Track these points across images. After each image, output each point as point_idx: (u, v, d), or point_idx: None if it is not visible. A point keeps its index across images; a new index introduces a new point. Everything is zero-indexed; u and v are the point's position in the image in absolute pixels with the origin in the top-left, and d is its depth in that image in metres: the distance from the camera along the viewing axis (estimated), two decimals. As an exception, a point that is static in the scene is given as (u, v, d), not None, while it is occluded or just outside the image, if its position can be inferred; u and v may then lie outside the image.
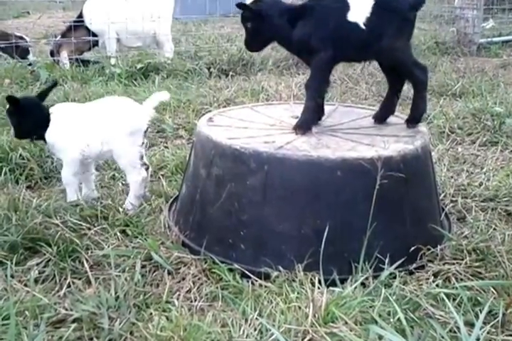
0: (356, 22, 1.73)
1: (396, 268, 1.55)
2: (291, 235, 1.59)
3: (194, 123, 2.94)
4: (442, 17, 6.70)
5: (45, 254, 1.58)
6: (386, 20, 1.73)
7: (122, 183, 2.23)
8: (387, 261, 1.55)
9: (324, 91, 1.88)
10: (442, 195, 2.12)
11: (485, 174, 2.36)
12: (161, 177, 2.26)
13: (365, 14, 1.73)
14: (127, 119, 1.89)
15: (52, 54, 4.62)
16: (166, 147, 2.70)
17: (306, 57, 1.86)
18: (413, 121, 1.87)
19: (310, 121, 1.82)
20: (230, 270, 1.57)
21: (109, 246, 1.64)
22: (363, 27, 1.73)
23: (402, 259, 1.58)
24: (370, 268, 1.54)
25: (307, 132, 1.78)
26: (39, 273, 1.55)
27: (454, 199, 2.11)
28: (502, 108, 3.12)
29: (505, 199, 2.08)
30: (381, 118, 1.95)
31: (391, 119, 1.97)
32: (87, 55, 4.86)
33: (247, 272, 1.56)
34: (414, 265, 1.63)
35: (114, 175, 2.31)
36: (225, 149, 1.65)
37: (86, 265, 1.54)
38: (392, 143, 1.70)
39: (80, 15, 4.64)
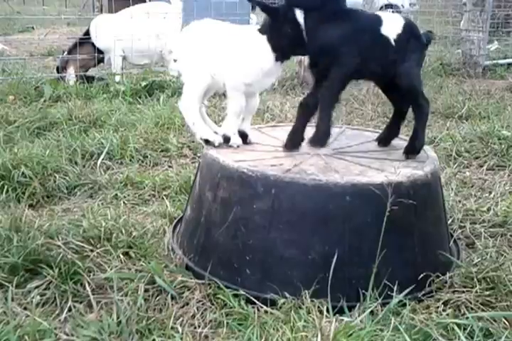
0: (388, 36, 1.69)
1: (405, 295, 1.51)
2: (298, 261, 1.55)
3: (198, 142, 2.93)
4: (447, 38, 6.75)
5: (46, 276, 1.55)
6: (410, 44, 1.73)
7: (124, 202, 2.21)
8: (395, 288, 1.52)
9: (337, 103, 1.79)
10: (450, 220, 2.09)
11: (493, 199, 2.33)
12: (164, 197, 2.23)
13: (396, 31, 1.71)
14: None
15: (58, 70, 4.64)
16: (170, 166, 2.68)
17: (323, 65, 1.70)
18: (413, 152, 1.80)
19: (328, 133, 1.73)
20: (235, 295, 1.53)
21: (111, 269, 1.60)
22: (393, 43, 1.70)
23: (411, 287, 1.54)
24: (379, 295, 1.50)
25: (322, 146, 1.74)
26: (40, 296, 1.51)
27: (462, 224, 2.08)
28: (509, 131, 3.11)
29: (515, 225, 2.05)
30: (385, 140, 1.92)
31: (398, 142, 1.95)
32: (91, 72, 4.89)
33: (252, 298, 1.52)
34: (423, 292, 1.60)
35: (116, 194, 2.28)
36: (231, 172, 1.63)
37: (88, 288, 1.50)
38: (402, 168, 1.67)
39: (87, 32, 4.69)
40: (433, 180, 1.70)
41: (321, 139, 1.73)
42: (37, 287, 1.53)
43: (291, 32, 1.65)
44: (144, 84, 4.20)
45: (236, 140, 1.81)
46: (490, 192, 2.42)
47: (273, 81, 1.77)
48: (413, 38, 1.74)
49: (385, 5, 11.76)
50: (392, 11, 12.64)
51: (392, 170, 1.64)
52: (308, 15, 1.68)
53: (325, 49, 1.67)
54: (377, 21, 1.71)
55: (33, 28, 9.11)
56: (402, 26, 1.72)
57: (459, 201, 2.31)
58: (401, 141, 1.96)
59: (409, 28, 1.74)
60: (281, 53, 1.70)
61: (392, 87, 1.83)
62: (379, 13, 1.80)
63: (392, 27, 1.71)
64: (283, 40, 1.66)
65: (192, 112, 1.81)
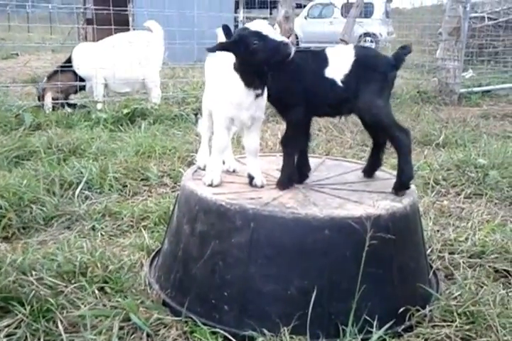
0: (333, 78, 1.68)
1: (385, 330, 1.49)
2: (277, 296, 1.53)
3: (179, 170, 2.92)
4: (424, 67, 6.93)
5: (17, 315, 1.49)
6: (365, 77, 1.68)
7: (102, 234, 2.17)
8: (375, 323, 1.50)
9: (303, 145, 1.83)
10: (429, 250, 2.09)
11: (471, 228, 2.34)
12: (142, 228, 2.20)
13: (343, 71, 1.68)
14: None
15: (39, 98, 4.62)
16: (150, 196, 2.65)
17: (281, 111, 1.79)
18: (402, 187, 1.74)
19: (290, 177, 1.77)
20: (213, 333, 1.50)
21: (85, 306, 1.55)
22: (340, 84, 1.67)
23: (391, 322, 1.53)
24: (359, 331, 1.48)
25: (289, 188, 1.75)
26: (9, 336, 1.45)
27: (441, 255, 2.09)
28: (485, 159, 3.17)
29: (493, 256, 2.05)
30: (369, 172, 1.95)
31: (377, 174, 1.97)
32: (73, 99, 4.88)
33: (229, 336, 1.49)
34: (403, 327, 1.58)
35: (94, 226, 2.24)
36: (209, 205, 1.62)
37: (60, 326, 1.46)
38: (380, 200, 1.68)
39: (69, 60, 4.69)
40: (412, 212, 1.71)
41: (285, 183, 1.77)
42: (7, 326, 1.47)
43: (256, 71, 1.62)
44: (125, 111, 4.21)
45: (209, 178, 1.74)
46: (468, 221, 2.44)
47: (253, 115, 1.70)
48: (368, 70, 1.68)
49: (364, 34, 12.09)
50: (371, 40, 13.02)
51: (371, 203, 1.64)
52: None
53: (274, 98, 1.73)
54: (323, 63, 1.70)
55: (17, 54, 9.11)
56: (350, 64, 1.68)
57: (438, 230, 2.32)
58: (381, 173, 1.99)
59: (362, 62, 1.68)
60: (254, 88, 1.66)
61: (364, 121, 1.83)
62: (329, 50, 1.74)
63: (338, 67, 1.68)
64: (251, 77, 1.64)
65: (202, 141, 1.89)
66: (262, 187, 1.76)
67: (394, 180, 1.86)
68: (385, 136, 1.81)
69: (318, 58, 1.73)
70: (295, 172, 1.79)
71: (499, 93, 6.47)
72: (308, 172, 1.89)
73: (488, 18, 7.97)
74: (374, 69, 1.70)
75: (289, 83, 1.70)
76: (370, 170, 1.95)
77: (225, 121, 1.71)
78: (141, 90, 5.03)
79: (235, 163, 1.94)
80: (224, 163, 1.91)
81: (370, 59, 1.73)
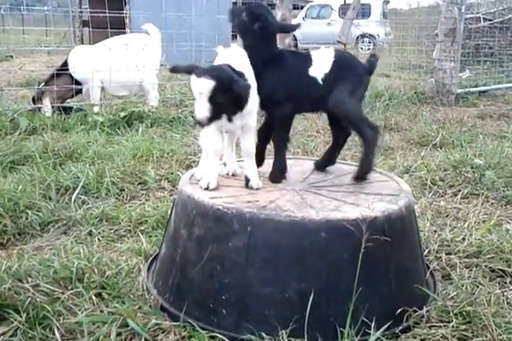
0: (316, 77, 1.81)
1: (382, 331, 1.49)
2: (275, 299, 1.53)
3: (177, 174, 2.91)
4: (421, 67, 6.95)
5: (13, 322, 1.48)
6: (341, 76, 1.80)
7: (99, 239, 2.16)
8: (373, 325, 1.50)
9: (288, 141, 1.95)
10: (426, 250, 2.10)
11: (467, 228, 2.35)
12: (140, 233, 2.20)
13: (324, 70, 1.81)
14: None
15: (34, 101, 4.61)
16: (148, 200, 2.65)
17: (270, 109, 1.86)
18: (358, 178, 1.89)
19: (282, 170, 1.88)
20: (212, 337, 1.50)
21: (82, 312, 1.55)
22: (321, 82, 1.80)
23: (389, 323, 1.53)
24: (357, 332, 1.48)
25: (280, 180, 1.86)
26: (5, 343, 1.45)
27: (438, 255, 2.09)
28: (481, 160, 3.17)
29: (489, 256, 2.06)
30: (322, 166, 2.04)
31: (373, 175, 1.97)
32: (69, 102, 4.86)
33: (228, 340, 1.48)
34: (401, 328, 1.58)
35: (91, 230, 2.24)
36: (206, 209, 1.61)
37: (57, 333, 1.45)
38: (376, 202, 1.68)
39: (65, 63, 4.68)
40: (407, 213, 1.71)
41: (276, 176, 1.87)
42: (3, 334, 1.46)
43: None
44: (122, 114, 4.19)
45: (206, 181, 1.74)
46: (465, 221, 2.44)
47: (239, 124, 1.70)
48: (344, 71, 1.81)
49: (361, 35, 12.12)
50: (368, 41, 13.05)
51: (367, 205, 1.64)
52: (253, 59, 1.77)
53: (264, 96, 1.79)
54: (307, 63, 1.82)
55: (12, 56, 9.07)
56: (331, 64, 1.81)
57: (435, 231, 2.33)
58: (378, 175, 1.99)
59: (340, 63, 1.82)
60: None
61: (332, 119, 1.96)
62: (313, 52, 1.87)
63: (320, 67, 1.81)
64: None
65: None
66: (257, 189, 1.77)
67: (391, 182, 1.92)
68: (346, 136, 1.99)
69: (303, 59, 1.85)
70: (286, 166, 1.90)
71: (496, 93, 6.50)
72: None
73: (483, 18, 7.99)
74: (350, 70, 1.83)
75: (278, 81, 1.79)
76: (322, 165, 2.05)
77: (214, 125, 1.70)
78: (139, 93, 5.03)
79: (236, 166, 1.94)
80: (225, 165, 1.93)
81: (348, 60, 1.88)
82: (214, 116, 1.60)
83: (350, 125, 1.89)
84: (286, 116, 1.84)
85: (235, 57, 1.75)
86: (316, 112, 2.01)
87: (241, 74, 1.64)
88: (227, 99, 1.57)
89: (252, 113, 1.72)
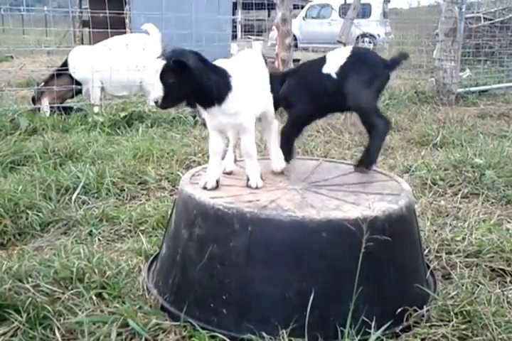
0: (329, 73, 1.86)
1: (383, 331, 1.49)
2: (275, 299, 1.53)
3: (178, 174, 2.91)
4: (422, 67, 6.94)
5: (13, 322, 1.48)
6: (356, 69, 1.83)
7: (99, 239, 2.16)
8: (373, 324, 1.50)
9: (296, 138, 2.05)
10: (427, 250, 2.10)
11: (468, 228, 2.35)
12: (140, 233, 2.20)
13: (338, 64, 1.85)
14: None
15: (33, 101, 4.61)
16: (148, 200, 2.64)
17: (287, 109, 2.01)
18: (361, 165, 1.93)
19: (285, 159, 1.96)
20: (212, 337, 1.50)
21: (83, 312, 1.55)
22: (335, 76, 1.85)
23: (389, 323, 1.53)
24: (357, 332, 1.48)
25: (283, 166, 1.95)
26: (6, 344, 1.45)
27: (438, 254, 2.09)
28: (482, 159, 3.17)
29: (489, 255, 2.06)
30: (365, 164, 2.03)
31: (373, 175, 1.97)
32: (69, 102, 4.86)
33: (228, 340, 1.48)
34: (401, 327, 1.58)
35: (91, 231, 2.24)
36: (207, 209, 1.61)
37: (57, 334, 1.44)
38: (377, 201, 1.68)
39: (65, 64, 4.68)
40: (408, 213, 1.71)
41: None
42: (3, 334, 1.45)
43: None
44: (123, 114, 4.19)
45: (205, 180, 1.75)
46: (465, 221, 2.44)
47: (227, 121, 1.68)
48: (359, 63, 1.84)
49: (361, 35, 12.11)
50: (369, 41, 13.05)
51: (367, 204, 1.64)
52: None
53: (280, 97, 1.92)
54: (322, 63, 1.90)
55: (12, 57, 9.06)
56: (345, 58, 1.85)
57: (435, 231, 2.33)
58: (376, 173, 1.99)
59: (356, 57, 1.85)
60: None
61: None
62: (330, 52, 1.94)
63: (333, 63, 1.87)
64: None
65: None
66: (256, 188, 1.77)
67: (391, 182, 1.90)
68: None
69: (319, 60, 1.94)
70: (289, 155, 2.00)
71: (496, 92, 6.49)
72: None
73: (484, 18, 7.99)
74: (365, 63, 1.85)
75: (294, 86, 1.93)
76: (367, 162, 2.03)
77: (209, 124, 1.73)
78: (139, 93, 5.02)
79: (231, 165, 1.94)
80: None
81: (365, 55, 1.91)
82: (170, 99, 1.59)
83: (361, 114, 1.88)
84: (297, 116, 1.95)
85: (244, 58, 1.81)
86: (342, 111, 2.07)
87: (222, 72, 1.64)
88: (179, 82, 1.56)
89: (242, 113, 1.69)
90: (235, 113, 1.68)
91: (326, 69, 1.87)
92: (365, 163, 1.93)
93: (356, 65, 1.83)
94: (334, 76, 1.84)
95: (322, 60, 1.91)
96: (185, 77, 1.56)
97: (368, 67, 1.84)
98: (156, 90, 1.57)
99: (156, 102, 1.59)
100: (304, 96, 1.91)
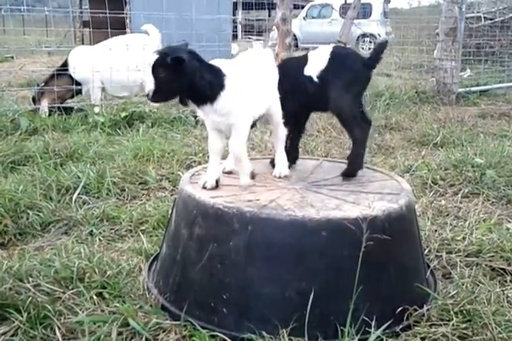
0: (310, 75, 1.87)
1: (383, 330, 1.49)
2: (275, 298, 1.53)
3: (178, 174, 2.92)
4: (422, 67, 6.94)
5: (14, 322, 1.48)
6: (336, 72, 1.84)
7: (100, 239, 2.17)
8: (373, 323, 1.51)
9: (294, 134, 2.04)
10: (427, 249, 2.10)
11: (468, 227, 2.35)
12: (141, 233, 2.20)
13: (319, 68, 1.85)
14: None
15: (34, 101, 4.61)
16: (148, 200, 2.65)
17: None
18: (348, 175, 1.92)
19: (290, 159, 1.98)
20: (212, 336, 1.50)
21: (83, 312, 1.55)
22: (316, 80, 1.86)
23: (389, 322, 1.53)
24: (357, 331, 1.49)
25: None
26: (6, 343, 1.45)
27: (438, 254, 2.09)
28: (482, 159, 3.17)
29: (489, 254, 2.06)
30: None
31: (373, 174, 1.98)
32: (70, 103, 4.87)
33: (228, 340, 1.49)
34: (401, 326, 1.58)
35: (92, 230, 2.24)
36: (207, 208, 1.62)
37: (58, 333, 1.45)
38: (377, 201, 1.68)
39: (64, 64, 4.69)
40: (407, 212, 1.71)
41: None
42: (4, 333, 1.46)
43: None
44: (123, 115, 4.20)
45: (204, 180, 1.75)
46: (465, 220, 2.44)
47: (216, 120, 1.68)
48: (339, 67, 1.84)
49: (362, 35, 12.11)
50: (369, 41, 13.04)
51: (367, 204, 1.64)
52: None
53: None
54: (303, 63, 1.89)
55: (12, 57, 9.07)
56: (326, 61, 1.85)
57: (435, 230, 2.33)
58: (376, 173, 1.99)
59: (336, 59, 1.86)
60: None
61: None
62: (311, 51, 1.93)
63: (315, 65, 1.87)
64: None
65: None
66: (244, 187, 1.76)
67: (391, 181, 1.91)
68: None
69: (301, 59, 1.94)
70: (289, 157, 1.98)
71: (496, 92, 6.48)
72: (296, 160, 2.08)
73: (484, 18, 7.99)
74: (345, 66, 1.86)
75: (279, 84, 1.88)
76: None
77: (206, 123, 1.73)
78: (140, 93, 5.03)
79: (231, 164, 1.94)
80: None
81: (344, 57, 1.89)
82: (161, 93, 1.60)
83: (340, 120, 1.92)
84: (288, 113, 1.90)
85: (246, 59, 1.82)
86: (324, 111, 2.07)
87: (217, 71, 1.64)
88: (171, 76, 1.57)
89: (234, 114, 1.68)
90: (227, 113, 1.67)
91: (307, 71, 1.87)
92: (350, 171, 1.92)
93: (337, 70, 1.84)
94: (316, 79, 1.85)
95: (304, 59, 1.91)
96: (177, 73, 1.56)
97: (348, 72, 1.85)
98: (148, 84, 1.59)
99: (147, 95, 1.61)
100: (288, 92, 1.88)
